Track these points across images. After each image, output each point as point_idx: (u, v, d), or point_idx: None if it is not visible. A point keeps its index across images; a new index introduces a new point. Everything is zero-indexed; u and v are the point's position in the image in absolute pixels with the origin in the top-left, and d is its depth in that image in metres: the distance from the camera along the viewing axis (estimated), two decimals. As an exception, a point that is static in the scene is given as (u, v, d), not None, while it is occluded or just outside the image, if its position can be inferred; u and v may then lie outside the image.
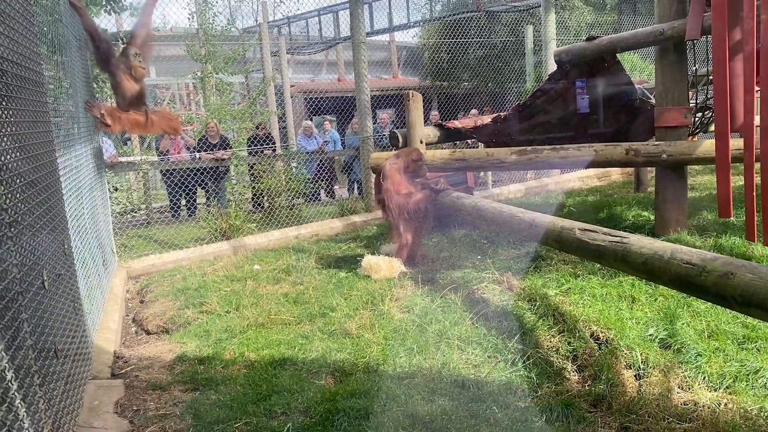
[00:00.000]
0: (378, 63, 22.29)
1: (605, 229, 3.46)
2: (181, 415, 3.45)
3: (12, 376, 2.11)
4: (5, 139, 2.66)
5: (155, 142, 12.56)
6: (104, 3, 9.06)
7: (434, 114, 13.75)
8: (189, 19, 13.43)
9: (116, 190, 8.90)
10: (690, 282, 2.77)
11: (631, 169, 9.96)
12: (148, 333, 5.14)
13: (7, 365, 2.08)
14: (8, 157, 2.62)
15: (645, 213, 6.87)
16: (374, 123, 16.99)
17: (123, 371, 4.14)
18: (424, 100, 14.22)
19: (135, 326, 5.37)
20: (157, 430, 3.29)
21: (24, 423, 2.18)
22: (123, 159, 9.01)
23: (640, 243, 3.14)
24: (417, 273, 5.66)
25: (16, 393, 2.13)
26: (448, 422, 3.09)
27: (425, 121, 11.71)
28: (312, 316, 4.84)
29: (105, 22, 20.38)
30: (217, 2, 13.14)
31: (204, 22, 13.18)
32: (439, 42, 15.48)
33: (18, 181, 2.73)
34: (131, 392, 3.78)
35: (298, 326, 4.68)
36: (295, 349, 4.22)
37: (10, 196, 2.51)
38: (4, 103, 2.54)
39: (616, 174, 10.97)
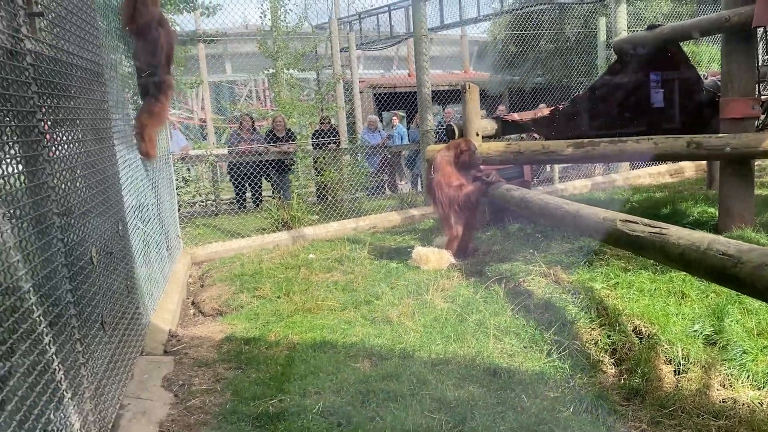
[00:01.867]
0: (449, 58, 22.19)
1: (646, 220, 3.36)
2: (222, 390, 3.62)
3: (50, 340, 2.30)
4: (65, 128, 2.89)
5: (228, 137, 13.04)
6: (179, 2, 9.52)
7: (501, 108, 13.57)
8: (261, 17, 13.88)
9: (186, 181, 9.32)
10: (725, 273, 2.66)
11: (705, 165, 9.51)
12: (203, 315, 5.40)
13: (45, 330, 2.27)
14: (67, 147, 2.84)
15: (711, 209, 6.55)
16: (443, 117, 16.95)
17: (174, 349, 4.37)
18: (494, 95, 14.04)
19: (193, 308, 5.64)
20: (198, 404, 3.47)
21: (62, 384, 2.37)
22: (194, 152, 9.43)
23: (678, 234, 3.03)
24: (465, 265, 5.65)
25: (54, 356, 2.32)
26: (474, 407, 3.10)
27: (492, 116, 11.63)
28: (357, 303, 4.94)
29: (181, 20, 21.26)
30: (289, 1, 13.43)
31: (276, 19, 13.55)
32: (509, 35, 15.25)
33: (75, 160, 2.95)
34: (179, 368, 4.00)
35: (343, 312, 4.78)
36: (337, 334, 4.32)
37: (62, 175, 2.73)
38: (65, 97, 2.75)
39: (689, 170, 10.50)
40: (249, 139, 10.12)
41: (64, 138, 2.85)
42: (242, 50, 18.28)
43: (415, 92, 9.00)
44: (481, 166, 6.26)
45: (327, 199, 8.97)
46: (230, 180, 10.15)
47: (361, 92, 16.25)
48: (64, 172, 2.74)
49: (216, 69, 18.95)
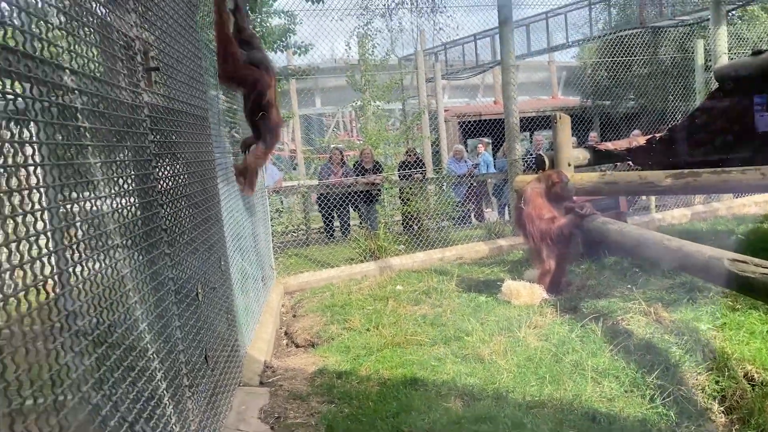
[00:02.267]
0: (537, 84, 21.94)
1: (757, 260, 3.17)
2: (316, 425, 3.67)
3: (161, 377, 2.43)
4: (177, 165, 3.08)
5: (320, 167, 13.40)
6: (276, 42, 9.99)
7: (593, 136, 13.24)
8: (347, 49, 14.27)
9: (279, 212, 9.63)
10: None
11: (820, 193, 8.84)
12: (296, 345, 5.52)
13: (158, 366, 2.39)
14: (177, 180, 3.02)
15: (830, 243, 6.09)
16: (531, 144, 16.68)
17: (270, 380, 4.49)
18: (584, 121, 13.70)
19: (286, 338, 5.78)
20: (293, 438, 3.54)
21: (171, 419, 2.49)
22: (287, 184, 9.76)
23: (797, 276, 2.84)
24: (559, 300, 5.50)
25: (165, 392, 2.45)
26: (572, 456, 3.00)
27: (584, 143, 11.35)
28: (447, 338, 4.90)
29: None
30: (376, 35, 13.75)
31: (364, 53, 13.90)
32: (599, 61, 14.91)
33: (183, 203, 3.13)
34: (275, 400, 4.09)
35: (433, 348, 4.76)
36: (427, 371, 4.30)
37: (173, 216, 2.90)
38: (177, 137, 2.94)
39: (802, 198, 9.80)
40: (339, 171, 10.35)
41: (175, 179, 3.03)
42: (331, 84, 18.85)
43: (501, 119, 8.96)
44: (574, 197, 6.12)
45: (413, 228, 9.01)
46: (319, 210, 10.40)
47: (446, 121, 16.32)
48: (174, 211, 2.91)
49: (306, 102, 19.61)
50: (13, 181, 1.38)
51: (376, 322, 5.49)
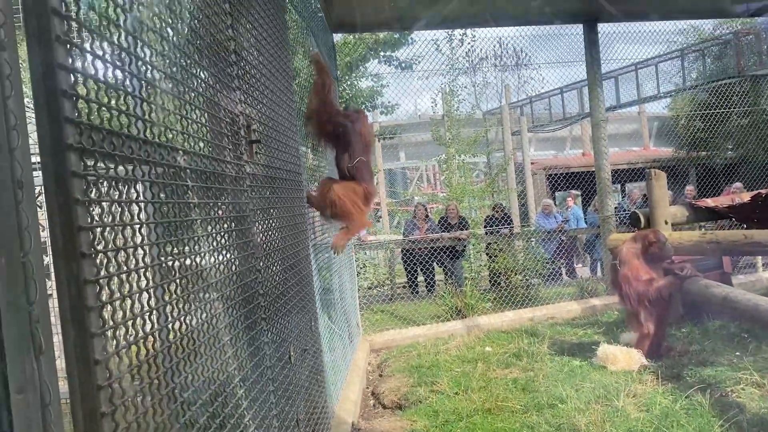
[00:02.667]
0: (627, 135, 21.35)
1: None
2: (405, 494, 3.58)
3: (256, 442, 2.45)
4: (272, 221, 3.18)
5: (405, 223, 13.51)
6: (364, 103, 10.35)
7: (689, 189, 12.65)
8: (433, 106, 14.52)
9: (364, 266, 9.72)
10: None
11: None
12: (383, 407, 5.45)
13: (253, 432, 2.42)
14: (272, 236, 3.12)
15: None
16: (623, 198, 16.14)
17: (357, 443, 4.45)
18: (678, 173, 13.17)
19: (373, 399, 5.73)
20: (381, 506, 3.46)
21: (264, 485, 2.49)
22: (372, 238, 9.87)
23: None
24: (659, 367, 5.18)
25: (259, 458, 2.46)
26: None
27: (680, 197, 10.88)
28: (540, 406, 4.70)
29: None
30: (461, 91, 13.97)
31: (448, 109, 14.09)
32: (694, 112, 14.38)
33: (277, 259, 3.22)
34: (362, 464, 4.04)
35: (525, 416, 4.57)
36: (520, 440, 4.13)
37: (269, 280, 2.98)
38: (274, 198, 3.06)
39: None
40: (423, 227, 10.38)
41: (270, 234, 3.12)
42: (415, 139, 19.15)
43: (590, 171, 8.75)
44: (673, 257, 5.83)
45: (501, 285, 8.83)
46: (404, 265, 10.42)
47: (533, 174, 16.12)
48: (268, 266, 3.00)
49: (390, 157, 19.97)
50: (119, 239, 1.45)
51: (465, 386, 5.36)
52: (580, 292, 8.71)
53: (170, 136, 1.80)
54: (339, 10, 7.07)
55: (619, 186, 19.07)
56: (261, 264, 2.82)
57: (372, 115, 12.54)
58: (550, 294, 8.60)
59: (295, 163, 4.08)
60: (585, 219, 12.34)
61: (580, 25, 8.58)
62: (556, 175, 17.25)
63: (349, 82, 10.52)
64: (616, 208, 10.23)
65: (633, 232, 6.62)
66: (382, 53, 12.62)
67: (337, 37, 10.51)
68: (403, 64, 13.16)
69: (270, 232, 3.12)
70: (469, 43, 14.11)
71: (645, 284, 5.45)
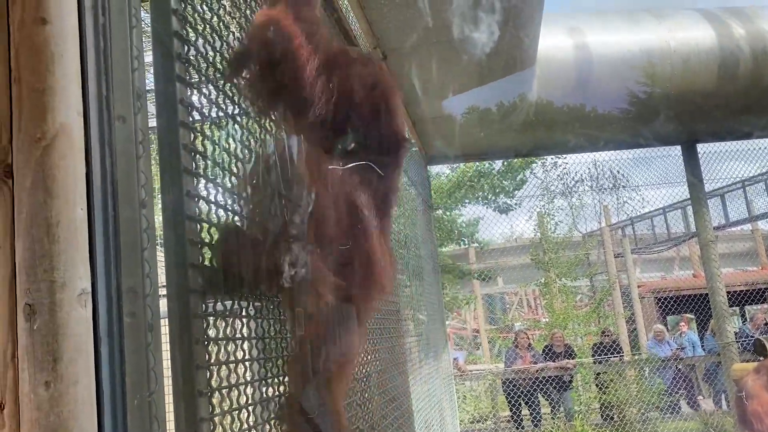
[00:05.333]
0: (741, 254, 20.10)
1: None
2: None
3: None
4: (369, 354, 3.19)
5: (506, 351, 13.09)
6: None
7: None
8: (534, 230, 14.48)
9: (465, 399, 9.38)
10: None
11: None
12: None
13: None
14: (371, 373, 3.11)
15: None
16: (743, 322, 14.94)
17: None
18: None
19: None
20: None
21: None
22: (471, 368, 9.58)
23: None
24: None
25: None
26: None
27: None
28: None
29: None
30: (556, 213, 13.94)
31: (545, 231, 14.00)
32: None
33: (376, 401, 3.19)
34: None
35: None
36: None
37: (368, 416, 2.95)
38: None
39: None
40: (526, 356, 10.00)
41: (368, 373, 3.12)
42: (512, 263, 18.93)
43: (702, 294, 8.24)
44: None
45: (613, 420, 8.21)
46: (506, 398, 9.96)
47: (641, 298, 15.33)
48: (368, 408, 2.96)
49: (488, 282, 19.75)
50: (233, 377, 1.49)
51: None
52: (705, 428, 7.93)
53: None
54: (430, 143, 7.40)
55: (737, 309, 17.71)
56: (359, 397, 2.81)
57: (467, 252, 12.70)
58: (670, 429, 7.88)
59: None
60: (702, 345, 11.45)
61: (678, 147, 8.49)
62: (666, 298, 16.31)
63: (447, 213, 10.79)
64: (736, 333, 9.47)
65: (759, 360, 6.07)
66: (479, 193, 13.01)
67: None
68: (502, 207, 13.47)
69: (368, 363, 3.12)
70: (561, 168, 14.21)
71: (780, 421, 4.90)
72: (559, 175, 14.53)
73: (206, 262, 1.26)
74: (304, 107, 1.51)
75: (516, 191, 14.35)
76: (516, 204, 13.73)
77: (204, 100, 1.34)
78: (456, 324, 23.18)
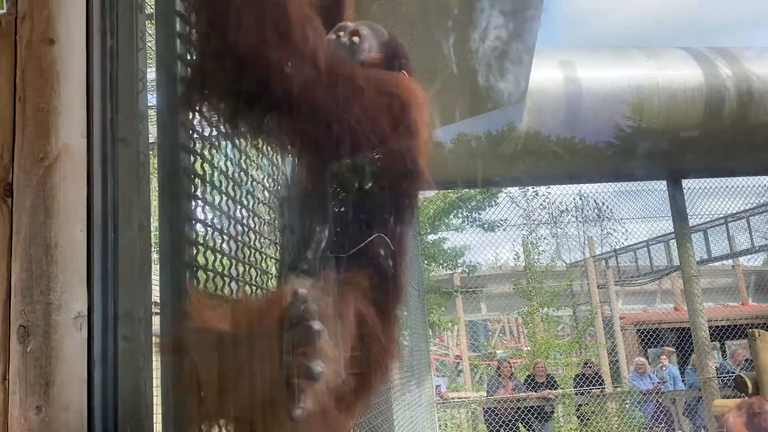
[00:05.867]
0: (722, 289, 20.27)
1: None
2: None
3: None
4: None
5: (488, 380, 13.03)
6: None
7: (799, 350, 11.68)
8: (515, 259, 14.54)
9: (446, 427, 9.31)
10: None
11: None
12: None
13: None
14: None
15: None
16: (723, 357, 15.02)
17: None
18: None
19: None
20: None
21: None
22: (453, 395, 9.53)
23: None
24: None
25: None
26: None
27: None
28: None
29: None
30: (541, 242, 14.02)
31: (529, 261, 14.07)
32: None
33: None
34: None
35: None
36: None
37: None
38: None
39: None
40: (508, 385, 9.97)
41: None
42: (496, 291, 18.94)
43: (684, 328, 8.29)
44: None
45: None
46: (486, 426, 9.90)
47: (623, 329, 15.37)
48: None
49: (471, 309, 19.72)
50: None
51: None
52: (685, 464, 7.91)
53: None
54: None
55: (717, 343, 17.82)
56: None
57: (453, 275, 12.72)
58: (651, 464, 7.87)
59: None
60: (683, 379, 11.49)
61: (664, 181, 8.60)
62: (647, 330, 16.37)
63: (432, 239, 10.82)
64: (717, 368, 9.52)
65: (740, 397, 6.10)
66: (466, 214, 13.07)
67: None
68: (486, 225, 13.52)
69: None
70: (544, 198, 14.32)
71: (760, 460, 4.91)
72: (541, 204, 14.62)
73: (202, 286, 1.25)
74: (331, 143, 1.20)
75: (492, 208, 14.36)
76: (500, 222, 13.75)
77: (205, 124, 1.34)
78: (438, 350, 23.06)
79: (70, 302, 0.87)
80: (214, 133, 1.44)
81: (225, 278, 1.41)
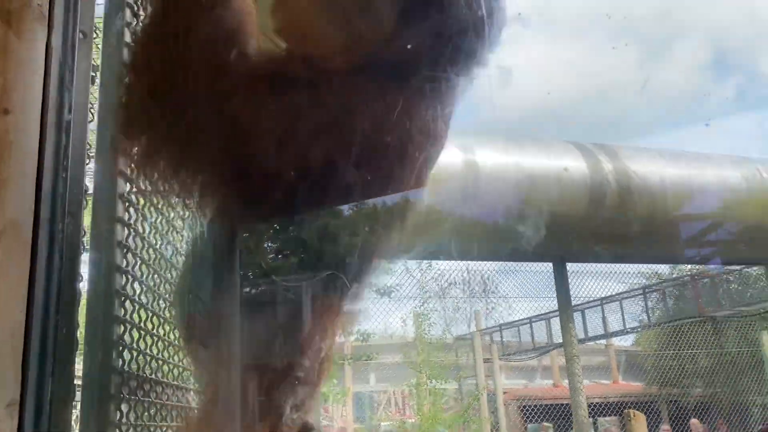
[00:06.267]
0: (595, 368, 21.37)
1: None
2: None
3: None
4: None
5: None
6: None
7: (665, 429, 12.45)
8: (403, 326, 14.64)
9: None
10: None
11: None
12: None
13: None
14: None
15: None
16: (596, 434, 15.65)
17: None
18: (651, 410, 13.03)
19: None
20: None
21: None
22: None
23: None
24: None
25: None
26: None
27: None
28: None
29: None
30: (432, 314, 14.26)
31: (420, 332, 14.22)
32: (659, 351, 14.70)
33: None
34: None
35: None
36: None
37: None
38: None
39: None
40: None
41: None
42: (386, 361, 18.90)
43: (563, 404, 8.62)
44: None
45: None
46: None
47: (505, 404, 15.73)
48: None
49: (360, 378, 19.49)
50: None
51: None
52: None
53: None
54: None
55: (591, 420, 18.60)
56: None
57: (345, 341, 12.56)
58: None
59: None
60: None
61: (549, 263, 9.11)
62: (528, 406, 16.84)
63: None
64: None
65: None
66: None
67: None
68: (380, 290, 13.56)
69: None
70: (436, 270, 14.68)
71: None
72: (433, 277, 14.96)
73: (126, 366, 1.19)
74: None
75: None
76: (394, 287, 13.86)
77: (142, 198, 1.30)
78: (323, 422, 22.43)
79: (3, 389, 0.80)
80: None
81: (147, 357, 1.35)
